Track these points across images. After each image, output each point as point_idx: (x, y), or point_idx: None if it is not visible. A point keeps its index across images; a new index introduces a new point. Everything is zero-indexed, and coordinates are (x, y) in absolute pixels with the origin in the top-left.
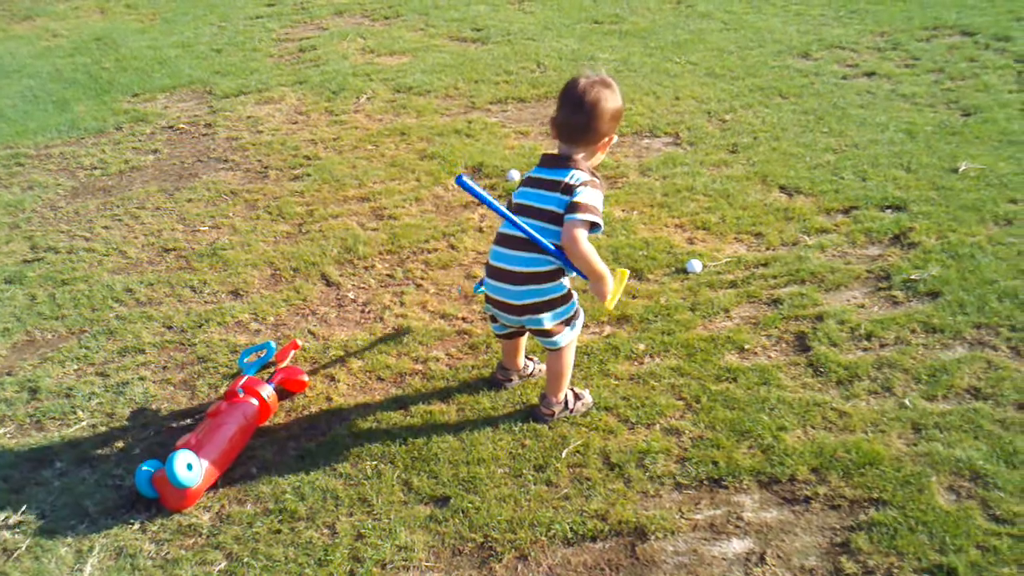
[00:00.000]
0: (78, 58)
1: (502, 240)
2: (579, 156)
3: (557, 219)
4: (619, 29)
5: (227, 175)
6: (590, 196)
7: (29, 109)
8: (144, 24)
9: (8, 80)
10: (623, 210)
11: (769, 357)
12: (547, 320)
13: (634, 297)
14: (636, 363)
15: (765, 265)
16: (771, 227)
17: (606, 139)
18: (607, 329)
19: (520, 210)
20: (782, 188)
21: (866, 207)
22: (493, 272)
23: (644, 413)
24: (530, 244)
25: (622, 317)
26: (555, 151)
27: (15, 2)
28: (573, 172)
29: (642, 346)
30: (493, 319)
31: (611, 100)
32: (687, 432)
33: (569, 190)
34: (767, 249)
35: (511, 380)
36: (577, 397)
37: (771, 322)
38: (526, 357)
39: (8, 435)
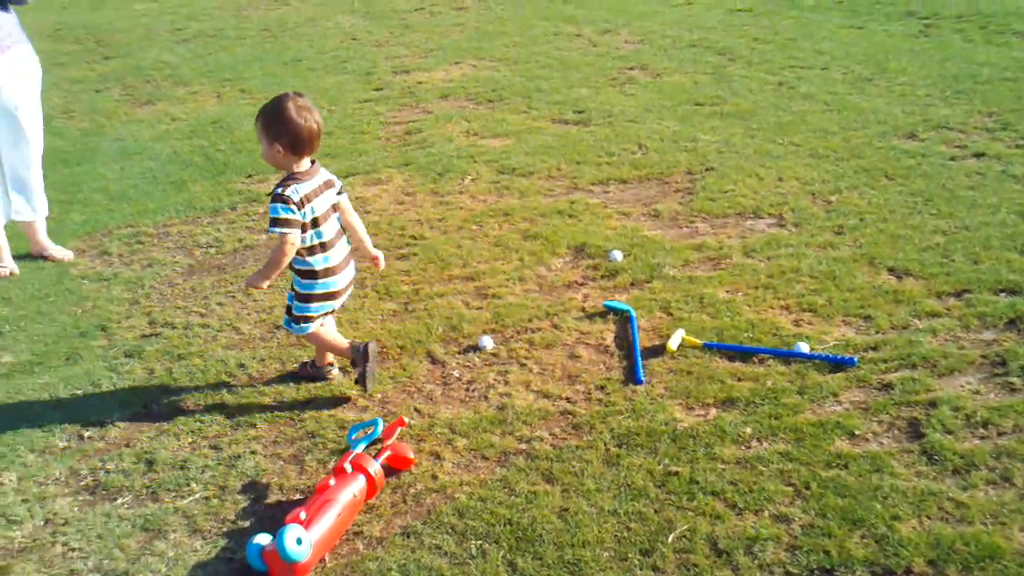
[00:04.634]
0: (195, 141)
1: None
2: None
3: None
4: (720, 111)
5: None
6: None
7: (149, 189)
8: (257, 108)
9: (130, 161)
10: (727, 291)
11: (881, 444)
12: None
13: (740, 380)
14: (743, 447)
15: (875, 349)
16: (880, 310)
17: None
18: (712, 412)
19: (330, 212)
20: (891, 270)
21: (979, 290)
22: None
23: (752, 499)
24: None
25: (728, 400)
26: (307, 165)
27: (138, 88)
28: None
29: (749, 430)
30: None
31: None
32: (797, 519)
33: (334, 183)
34: (876, 332)
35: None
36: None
37: (882, 408)
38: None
39: (125, 505)
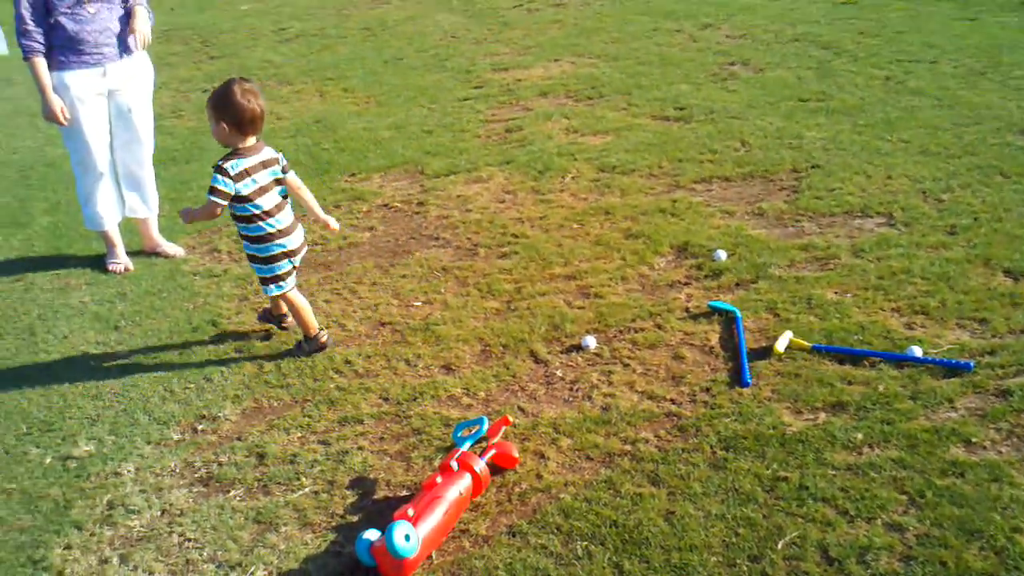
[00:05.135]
0: (300, 139)
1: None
2: None
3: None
4: (826, 107)
5: (439, 252)
6: None
7: None
8: (360, 107)
9: None
10: (836, 292)
11: (999, 452)
12: None
13: (850, 383)
14: (854, 453)
15: (991, 353)
16: (996, 313)
17: None
18: (822, 416)
19: (272, 185)
20: (1007, 272)
21: None
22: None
23: (864, 506)
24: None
25: (837, 404)
26: (252, 142)
27: None
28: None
29: (860, 435)
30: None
31: None
32: (911, 528)
33: (278, 161)
34: (993, 336)
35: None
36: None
37: (1000, 415)
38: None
39: (238, 498)
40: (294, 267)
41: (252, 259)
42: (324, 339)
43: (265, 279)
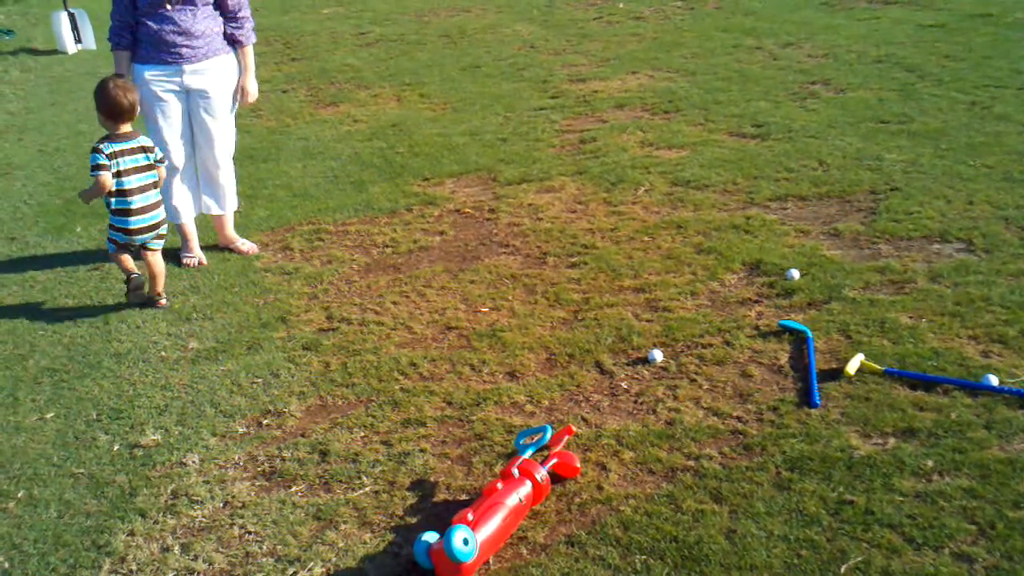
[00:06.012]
0: (375, 142)
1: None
2: None
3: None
4: (907, 129)
5: (508, 259)
6: None
7: (330, 188)
8: (436, 113)
9: (314, 160)
10: (911, 317)
11: None
12: None
13: (922, 410)
14: (923, 480)
15: None
16: None
17: None
18: (891, 441)
19: (141, 169)
20: None
21: None
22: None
23: (932, 534)
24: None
25: (908, 430)
26: (126, 129)
27: (322, 89)
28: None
29: (930, 462)
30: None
31: None
32: (980, 560)
33: (153, 150)
34: None
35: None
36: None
37: None
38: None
39: (299, 494)
40: (142, 245)
41: (110, 226)
42: (162, 302)
43: (111, 240)
